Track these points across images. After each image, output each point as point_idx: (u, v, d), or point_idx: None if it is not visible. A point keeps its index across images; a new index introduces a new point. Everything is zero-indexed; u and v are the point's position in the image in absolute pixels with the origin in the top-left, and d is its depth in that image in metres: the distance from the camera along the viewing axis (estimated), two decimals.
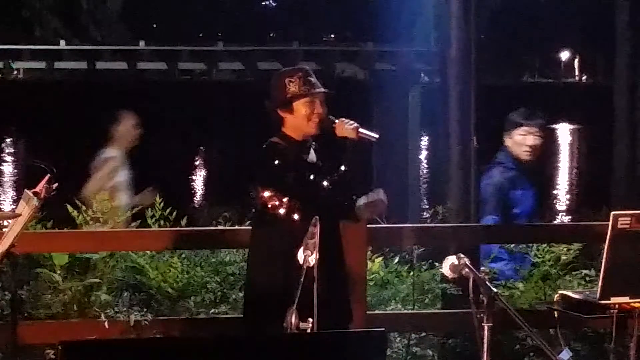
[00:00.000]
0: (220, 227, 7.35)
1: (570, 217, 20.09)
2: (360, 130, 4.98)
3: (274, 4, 65.83)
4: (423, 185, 22.59)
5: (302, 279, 4.34)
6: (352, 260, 5.60)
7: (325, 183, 4.95)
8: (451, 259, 4.61)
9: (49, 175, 4.73)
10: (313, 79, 5.13)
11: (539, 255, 6.83)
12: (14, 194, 24.12)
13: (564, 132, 45.99)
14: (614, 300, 4.86)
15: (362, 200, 5.09)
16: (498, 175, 7.11)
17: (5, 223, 4.91)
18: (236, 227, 7.78)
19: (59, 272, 6.37)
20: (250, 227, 5.51)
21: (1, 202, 23.43)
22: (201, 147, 37.39)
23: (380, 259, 6.82)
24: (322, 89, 5.13)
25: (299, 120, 5.08)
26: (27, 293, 6.32)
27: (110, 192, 7.81)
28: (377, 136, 5.01)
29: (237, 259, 6.80)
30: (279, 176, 4.97)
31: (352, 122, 5.03)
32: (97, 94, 39.01)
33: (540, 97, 45.45)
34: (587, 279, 6.72)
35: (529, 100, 44.82)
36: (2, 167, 31.40)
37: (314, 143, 5.18)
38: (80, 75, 44.84)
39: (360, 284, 5.94)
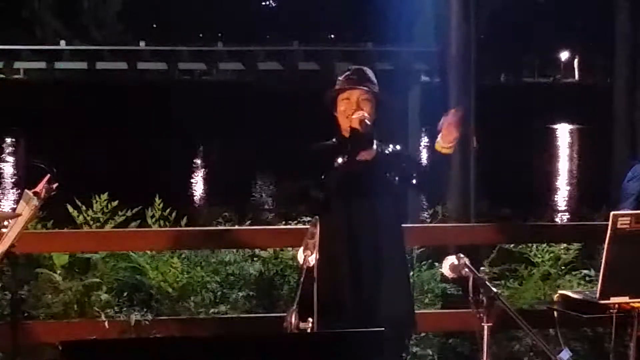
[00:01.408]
0: (220, 227, 7.36)
1: (570, 216, 20.10)
2: (366, 121, 4.94)
3: (274, 4, 65.84)
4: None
5: (302, 279, 4.34)
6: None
7: (339, 160, 4.89)
8: (451, 259, 4.62)
9: (49, 175, 4.74)
10: (356, 77, 5.04)
11: (539, 255, 6.84)
12: (14, 194, 24.13)
13: (563, 132, 46.00)
14: (614, 300, 4.86)
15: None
16: None
17: (6, 223, 4.90)
18: (236, 227, 7.80)
19: (59, 272, 6.39)
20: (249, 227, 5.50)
21: (1, 202, 23.43)
22: (201, 147, 37.41)
23: None
24: (360, 86, 5.01)
25: (340, 117, 5.03)
26: (28, 293, 6.33)
27: None
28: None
29: (237, 259, 6.81)
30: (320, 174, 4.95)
31: (361, 112, 4.98)
32: (97, 94, 39.06)
33: (540, 97, 45.50)
34: (587, 278, 6.73)
35: (529, 100, 44.83)
36: (2, 167, 31.41)
37: (380, 143, 5.04)
38: (80, 76, 44.84)
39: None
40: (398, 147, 5.11)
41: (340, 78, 5.09)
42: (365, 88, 5.01)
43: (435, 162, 5.15)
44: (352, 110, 4.97)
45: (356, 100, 4.99)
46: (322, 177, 4.90)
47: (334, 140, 5.05)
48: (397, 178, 5.04)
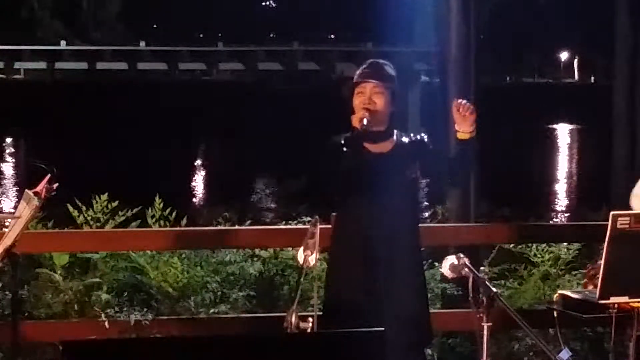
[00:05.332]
0: (220, 227, 7.36)
1: (570, 216, 20.10)
2: (364, 122, 4.89)
3: (274, 4, 65.84)
4: (422, 186, 22.59)
5: (302, 279, 4.34)
6: None
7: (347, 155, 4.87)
8: (451, 259, 4.62)
9: (49, 175, 4.74)
10: (370, 70, 5.00)
11: (539, 255, 6.84)
12: (15, 194, 24.13)
13: (563, 132, 45.99)
14: (613, 300, 4.86)
15: None
16: None
17: (6, 223, 4.91)
18: (236, 227, 7.80)
19: (59, 272, 6.39)
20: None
21: (2, 202, 23.44)
22: (201, 147, 37.41)
23: None
24: (373, 80, 4.97)
25: (356, 110, 4.96)
26: (28, 293, 6.33)
27: None
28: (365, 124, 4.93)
29: (237, 259, 6.80)
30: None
31: (362, 113, 4.93)
32: (97, 94, 39.06)
33: (539, 97, 45.49)
34: None
35: (528, 100, 44.82)
36: (2, 167, 31.41)
37: (401, 133, 5.03)
38: (80, 76, 44.87)
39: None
40: (421, 135, 5.07)
41: (358, 71, 5.05)
42: (377, 81, 4.97)
43: (461, 152, 5.03)
44: (365, 104, 4.93)
45: (369, 94, 4.95)
46: (332, 173, 4.88)
47: (350, 133, 4.96)
48: (418, 169, 4.96)
